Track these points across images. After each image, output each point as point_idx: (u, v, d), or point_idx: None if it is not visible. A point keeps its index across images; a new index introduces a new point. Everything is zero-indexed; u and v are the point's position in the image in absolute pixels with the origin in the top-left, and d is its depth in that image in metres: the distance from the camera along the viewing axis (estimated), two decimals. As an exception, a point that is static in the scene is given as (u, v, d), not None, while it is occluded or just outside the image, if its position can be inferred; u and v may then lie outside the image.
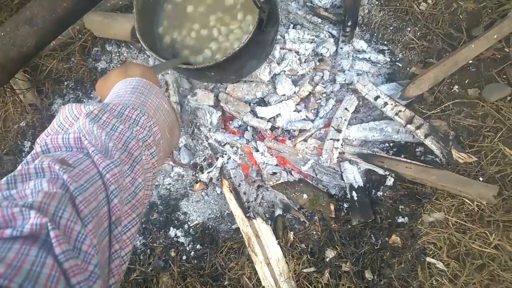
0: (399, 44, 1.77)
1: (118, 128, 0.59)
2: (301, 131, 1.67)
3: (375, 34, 1.80)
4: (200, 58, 1.28)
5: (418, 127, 1.54)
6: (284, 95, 1.64)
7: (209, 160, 1.76)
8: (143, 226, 1.87)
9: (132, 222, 0.54)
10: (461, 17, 1.73)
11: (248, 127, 1.69)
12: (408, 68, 1.73)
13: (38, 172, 0.47)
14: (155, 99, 0.72)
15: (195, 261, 1.78)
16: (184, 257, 1.80)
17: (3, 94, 2.14)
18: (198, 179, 1.80)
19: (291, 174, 1.67)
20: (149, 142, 0.63)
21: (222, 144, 1.69)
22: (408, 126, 1.55)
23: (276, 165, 1.68)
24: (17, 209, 0.39)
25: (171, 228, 1.83)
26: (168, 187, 1.89)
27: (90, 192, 0.47)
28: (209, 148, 1.74)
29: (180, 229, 1.83)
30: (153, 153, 0.63)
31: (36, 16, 1.10)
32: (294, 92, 1.65)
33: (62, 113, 0.62)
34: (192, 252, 1.80)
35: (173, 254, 1.80)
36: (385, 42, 1.78)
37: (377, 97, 1.59)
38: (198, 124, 1.79)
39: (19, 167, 0.49)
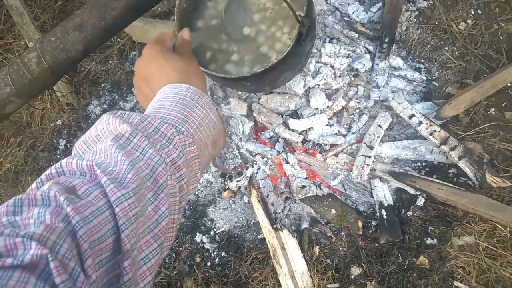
0: (435, 63, 1.75)
1: (147, 152, 0.56)
2: (333, 145, 1.67)
3: (412, 52, 1.79)
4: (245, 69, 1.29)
5: (452, 149, 1.52)
6: (317, 108, 1.65)
7: (239, 169, 1.78)
8: (170, 230, 1.90)
9: (153, 252, 0.53)
10: (501, 38, 1.70)
11: (280, 138, 1.70)
12: (444, 88, 1.71)
13: (45, 199, 0.47)
14: (201, 111, 0.68)
15: (219, 268, 1.80)
16: (208, 263, 1.81)
17: (42, 94, 2.21)
18: (227, 187, 1.82)
19: (320, 188, 1.67)
20: (179, 164, 0.59)
21: (253, 154, 1.70)
22: (442, 147, 1.53)
23: (306, 178, 1.69)
24: (19, 240, 0.40)
25: (198, 233, 1.85)
26: (196, 192, 1.91)
27: (94, 224, 0.47)
28: (239, 157, 1.76)
29: (206, 235, 1.85)
30: (182, 175, 0.60)
31: (86, 23, 1.14)
32: (328, 106, 1.65)
33: (100, 123, 0.60)
34: (217, 259, 1.81)
35: (198, 259, 1.82)
36: (422, 60, 1.77)
37: (411, 116, 1.58)
38: (229, 132, 1.81)
39: (30, 189, 0.50)
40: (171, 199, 0.58)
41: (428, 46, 1.78)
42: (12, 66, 1.19)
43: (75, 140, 2.19)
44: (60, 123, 2.21)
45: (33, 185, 0.51)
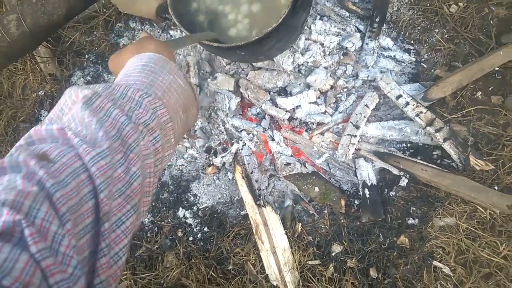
0: (425, 45, 1.74)
1: (112, 113, 0.54)
2: (319, 124, 1.66)
3: (402, 33, 1.78)
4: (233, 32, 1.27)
5: (437, 130, 1.52)
6: (310, 86, 1.63)
7: (224, 145, 1.76)
8: (152, 204, 1.89)
9: (127, 214, 0.51)
10: (491, 22, 1.70)
11: (266, 115, 1.69)
12: (432, 70, 1.71)
13: (13, 166, 0.45)
14: (167, 76, 0.67)
15: (201, 243, 1.79)
16: (190, 238, 1.81)
17: (24, 63, 2.15)
18: (211, 163, 1.80)
19: (305, 166, 1.67)
20: (152, 126, 0.58)
21: (239, 130, 1.68)
22: (428, 128, 1.54)
23: (291, 155, 1.68)
24: None
25: (180, 208, 1.84)
26: (180, 168, 1.90)
27: (71, 187, 0.45)
28: (225, 133, 1.74)
29: (189, 210, 1.84)
30: (157, 137, 0.59)
31: (69, -14, 1.10)
32: (330, 85, 1.64)
33: (63, 97, 0.58)
34: (199, 234, 1.81)
35: (180, 234, 1.81)
36: (412, 42, 1.76)
37: (399, 96, 1.58)
38: (216, 108, 1.79)
39: None
40: (146, 161, 0.56)
41: (419, 27, 1.77)
42: (-9, 28, 1.15)
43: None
44: (43, 93, 2.16)
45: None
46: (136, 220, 0.54)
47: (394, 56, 1.71)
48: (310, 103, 1.62)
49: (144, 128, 0.57)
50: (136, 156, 0.54)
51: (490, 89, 1.64)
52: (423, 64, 1.71)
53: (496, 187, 1.53)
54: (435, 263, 1.53)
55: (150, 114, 0.58)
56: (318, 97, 1.66)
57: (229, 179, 1.82)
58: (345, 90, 1.68)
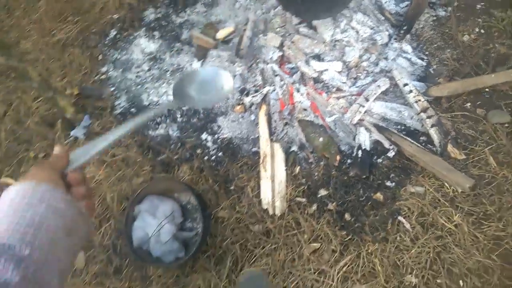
0: (436, 59, 2.16)
1: None
2: (338, 90, 2.04)
3: (420, 45, 2.20)
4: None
5: (428, 117, 1.91)
6: (340, 58, 2.03)
7: (257, 88, 2.14)
8: (183, 124, 2.24)
9: None
10: (492, 55, 2.12)
11: (299, 71, 2.08)
12: (437, 78, 2.11)
13: None
14: (38, 206, 0.61)
15: (214, 164, 2.13)
16: (206, 157, 2.15)
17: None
18: (241, 102, 2.17)
19: (317, 118, 2.04)
20: (16, 282, 0.53)
21: (275, 74, 2.07)
22: (422, 114, 1.92)
23: (308, 107, 2.05)
24: None
25: (204, 132, 2.19)
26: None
27: None
28: (261, 78, 2.12)
29: (211, 136, 2.19)
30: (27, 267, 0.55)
31: None
32: (355, 64, 2.04)
33: None
34: (214, 157, 2.15)
35: (198, 151, 2.16)
36: (426, 53, 2.17)
37: (405, 84, 1.97)
38: (258, 60, 2.18)
39: None
40: None
41: (435, 45, 2.19)
42: None
43: (124, 33, 2.55)
44: (116, 17, 2.56)
45: None
46: None
47: (410, 58, 2.12)
48: (336, 71, 2.01)
49: None
50: None
51: (478, 103, 2.04)
52: (431, 71, 2.12)
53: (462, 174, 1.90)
54: (400, 218, 1.87)
55: (11, 270, 0.53)
56: (343, 70, 2.06)
57: (251, 120, 2.18)
58: (365, 72, 2.08)
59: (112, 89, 2.36)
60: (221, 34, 2.30)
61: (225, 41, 2.35)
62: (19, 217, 0.58)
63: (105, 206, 2.00)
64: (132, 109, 2.29)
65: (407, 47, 2.14)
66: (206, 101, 1.24)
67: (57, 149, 0.74)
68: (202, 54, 2.35)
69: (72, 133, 2.19)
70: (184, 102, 1.16)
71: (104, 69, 2.44)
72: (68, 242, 0.64)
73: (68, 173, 0.71)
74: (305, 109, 2.02)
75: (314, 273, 1.83)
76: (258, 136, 2.14)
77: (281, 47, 2.12)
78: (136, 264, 1.88)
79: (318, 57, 2.09)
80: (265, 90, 2.06)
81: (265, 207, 1.98)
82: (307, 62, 2.05)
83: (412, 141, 1.94)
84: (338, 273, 1.80)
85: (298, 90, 2.05)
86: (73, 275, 1.90)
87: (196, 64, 2.34)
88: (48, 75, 2.38)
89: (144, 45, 2.49)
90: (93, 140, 0.78)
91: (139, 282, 1.86)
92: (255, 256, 1.88)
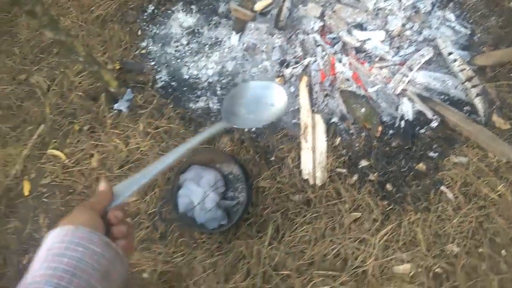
0: (480, 27, 2.11)
1: None
2: (380, 59, 2.03)
3: (464, 13, 2.15)
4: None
5: (473, 86, 1.88)
6: (383, 27, 2.01)
7: (298, 59, 2.14)
8: (222, 97, 2.27)
9: None
10: (540, 22, 2.06)
11: (340, 41, 2.07)
12: (481, 47, 2.06)
13: None
14: (75, 252, 0.63)
15: (254, 135, 2.15)
16: (245, 130, 2.17)
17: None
18: (281, 74, 2.18)
19: (359, 89, 2.03)
20: None
21: (317, 44, 2.06)
22: (466, 83, 1.89)
23: (350, 77, 2.05)
24: None
25: (244, 105, 2.22)
26: (253, 75, 2.28)
27: None
28: (301, 49, 2.12)
29: (251, 108, 2.21)
30: None
31: None
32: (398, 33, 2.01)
33: None
34: (254, 129, 2.18)
35: (239, 123, 2.18)
36: (470, 21, 2.13)
37: (450, 53, 1.94)
38: (298, 31, 2.18)
39: None
40: None
41: (479, 12, 2.14)
42: None
43: (162, 8, 2.57)
44: (154, -9, 2.58)
45: None
46: None
47: (454, 27, 2.08)
48: (378, 40, 2.00)
49: None
50: None
51: (524, 72, 2.00)
52: (475, 39, 2.08)
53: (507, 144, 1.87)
54: (443, 188, 1.87)
55: None
56: (386, 39, 2.03)
57: (291, 92, 2.19)
58: (408, 41, 2.06)
59: (152, 63, 2.40)
60: (259, 5, 2.30)
61: (263, 13, 2.35)
62: (57, 261, 0.60)
63: (150, 176, 2.06)
64: (173, 83, 2.33)
65: (450, 15, 2.10)
66: (255, 121, 1.24)
67: (102, 185, 0.76)
68: (240, 26, 2.35)
69: (115, 106, 2.24)
70: (234, 121, 1.12)
71: (143, 44, 2.47)
72: (105, 284, 0.65)
73: (109, 211, 0.73)
74: (347, 80, 2.01)
75: (355, 241, 1.86)
76: (298, 108, 2.16)
77: (321, 17, 2.10)
78: (181, 229, 1.95)
79: (360, 27, 2.07)
80: (306, 61, 2.06)
81: (305, 177, 2.00)
82: (349, 32, 2.04)
83: (456, 110, 1.92)
84: (379, 241, 1.83)
85: (340, 61, 2.04)
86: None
87: (235, 37, 2.35)
88: (88, 51, 2.43)
89: (182, 19, 2.51)
90: (136, 174, 0.78)
91: (184, 247, 1.92)
92: (296, 224, 1.92)
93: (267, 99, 1.17)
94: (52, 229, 0.66)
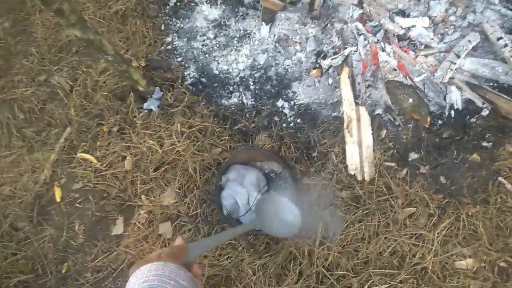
0: (526, 10, 2.03)
1: None
2: (426, 47, 1.94)
3: (508, -4, 2.07)
4: None
5: (527, 71, 1.80)
6: (425, 13, 1.92)
7: (336, 49, 2.04)
8: (256, 92, 2.17)
9: None
10: None
11: (382, 29, 1.97)
12: (528, 30, 1.98)
13: None
14: (167, 284, 0.71)
15: (293, 130, 2.06)
16: (284, 125, 2.08)
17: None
18: (318, 66, 2.08)
19: (406, 78, 1.94)
20: None
21: (359, 33, 1.97)
22: (519, 68, 1.81)
23: (396, 68, 1.96)
24: None
25: (280, 99, 2.12)
26: (286, 67, 2.18)
27: None
28: (340, 38, 2.03)
29: (287, 102, 2.11)
30: None
31: None
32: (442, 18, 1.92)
33: None
34: (292, 124, 2.08)
35: (276, 119, 2.09)
36: (515, 5, 2.04)
37: (499, 38, 1.86)
38: (334, 20, 2.08)
39: None
40: None
41: (523, -5, 2.05)
42: None
43: (185, 0, 2.46)
44: (175, -15, 2.46)
45: None
46: None
47: (499, 10, 1.99)
48: (423, 27, 1.91)
49: None
50: None
51: None
52: (522, 22, 2.00)
53: None
54: (501, 179, 1.79)
55: None
56: (429, 26, 1.94)
57: (328, 83, 2.10)
58: (452, 26, 1.97)
59: (179, 59, 2.29)
60: (290, -5, 2.20)
61: (293, 2, 2.25)
62: None
63: (187, 176, 1.96)
64: (203, 79, 2.22)
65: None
66: (276, 232, 1.52)
67: (178, 240, 0.90)
68: (269, 17, 2.25)
69: (145, 105, 2.13)
70: (263, 223, 1.43)
71: (168, 39, 2.36)
72: None
73: (194, 264, 0.89)
74: (394, 69, 1.92)
75: (411, 237, 1.77)
76: (337, 101, 2.07)
77: (360, 4, 2.01)
78: (227, 232, 1.85)
79: (402, 13, 1.98)
80: (346, 52, 1.97)
81: (352, 172, 1.91)
82: (391, 19, 1.94)
83: (509, 98, 1.84)
84: (437, 236, 1.74)
85: (383, 49, 1.95)
86: (161, 246, 1.89)
87: (265, 29, 2.25)
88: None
89: (207, 11, 2.40)
90: (208, 237, 1.01)
91: (231, 249, 1.82)
92: (346, 222, 1.83)
93: (282, 214, 1.47)
94: (135, 266, 0.78)
